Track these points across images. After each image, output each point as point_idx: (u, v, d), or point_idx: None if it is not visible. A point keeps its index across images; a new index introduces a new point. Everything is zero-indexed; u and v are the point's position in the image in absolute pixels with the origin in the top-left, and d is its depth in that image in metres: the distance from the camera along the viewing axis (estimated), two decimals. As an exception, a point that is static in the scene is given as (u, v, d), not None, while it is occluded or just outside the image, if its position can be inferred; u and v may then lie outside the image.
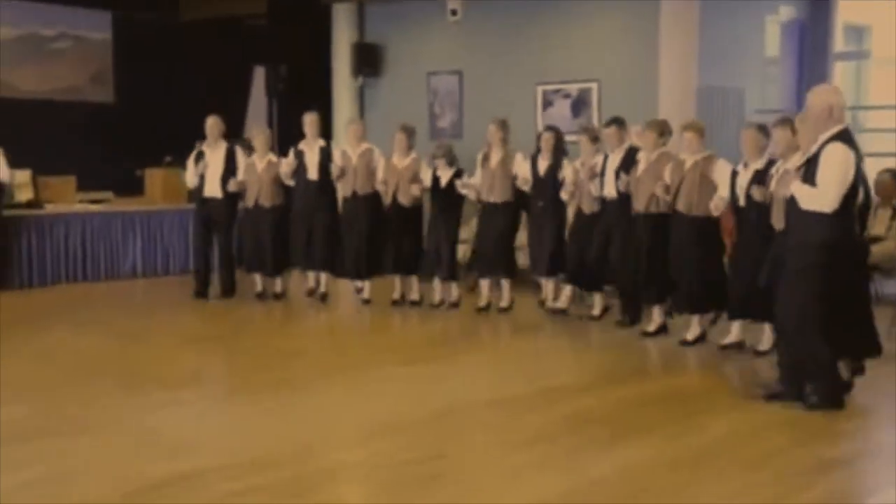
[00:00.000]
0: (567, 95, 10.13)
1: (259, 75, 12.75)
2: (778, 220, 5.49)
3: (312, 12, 11.51)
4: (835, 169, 4.83)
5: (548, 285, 7.92)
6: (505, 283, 7.95)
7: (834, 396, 5.07)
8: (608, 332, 7.21)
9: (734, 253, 6.44)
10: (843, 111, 5.03)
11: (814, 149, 4.96)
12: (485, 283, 8.03)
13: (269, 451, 4.42)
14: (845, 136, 4.93)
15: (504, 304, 7.92)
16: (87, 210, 9.76)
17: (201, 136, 8.65)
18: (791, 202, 5.04)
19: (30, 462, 4.28)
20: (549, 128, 8.03)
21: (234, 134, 8.44)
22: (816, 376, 5.08)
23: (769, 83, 10.73)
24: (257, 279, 8.58)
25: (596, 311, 7.57)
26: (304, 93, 11.73)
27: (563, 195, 7.50)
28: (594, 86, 9.92)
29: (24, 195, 9.44)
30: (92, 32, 12.38)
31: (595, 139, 7.50)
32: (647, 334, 6.98)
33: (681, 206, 6.55)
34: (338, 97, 11.66)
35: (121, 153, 10.78)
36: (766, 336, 6.34)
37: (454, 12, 10.82)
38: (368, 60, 11.44)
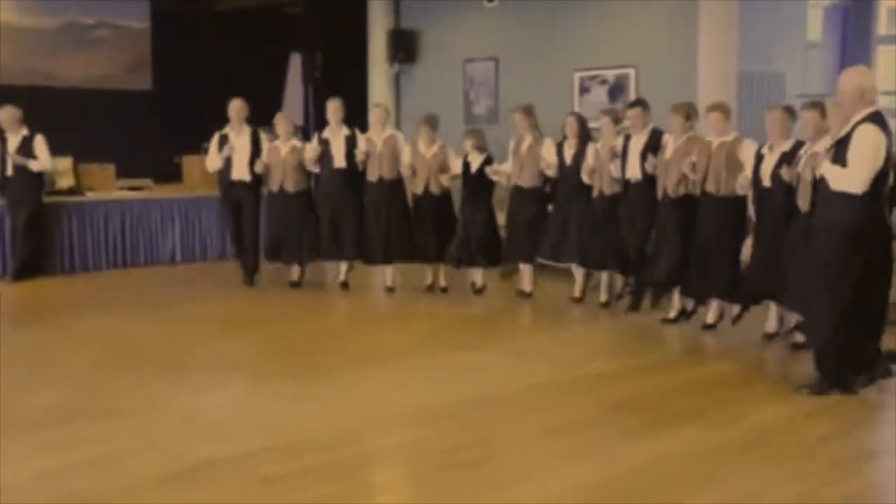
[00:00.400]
0: (604, 81, 10.05)
1: (295, 62, 12.81)
2: (804, 202, 5.47)
3: (348, -1, 11.54)
4: (866, 149, 4.81)
5: (577, 273, 7.86)
6: (526, 269, 7.99)
7: (873, 380, 5.12)
8: (642, 319, 7.16)
9: (754, 237, 6.38)
10: (875, 93, 4.97)
11: (845, 130, 4.93)
12: (525, 269, 8.03)
13: (309, 436, 4.45)
14: (877, 118, 4.88)
15: (528, 288, 8.00)
16: (126, 197, 9.88)
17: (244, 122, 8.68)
18: (821, 183, 5.02)
19: (72, 445, 4.35)
20: (573, 114, 8.01)
21: (271, 121, 8.43)
22: (859, 364, 5.07)
23: (811, 68, 10.56)
24: (295, 269, 8.56)
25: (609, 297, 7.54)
26: (340, 80, 11.76)
27: (584, 176, 7.48)
28: (631, 72, 9.83)
29: (65, 182, 9.57)
30: (130, 21, 12.50)
31: (618, 121, 7.47)
32: (667, 321, 6.94)
33: (710, 187, 6.51)
34: (373, 84, 11.67)
35: (159, 141, 10.90)
36: (772, 316, 6.47)
37: (490, -2, 10.78)
38: (404, 47, 11.44)
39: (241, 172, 8.36)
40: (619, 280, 7.69)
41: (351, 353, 6.29)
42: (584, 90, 10.18)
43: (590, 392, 5.25)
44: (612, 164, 7.26)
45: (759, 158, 6.20)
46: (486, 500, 3.73)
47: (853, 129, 4.88)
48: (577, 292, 7.83)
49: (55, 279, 9.06)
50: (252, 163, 8.31)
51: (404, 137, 8.33)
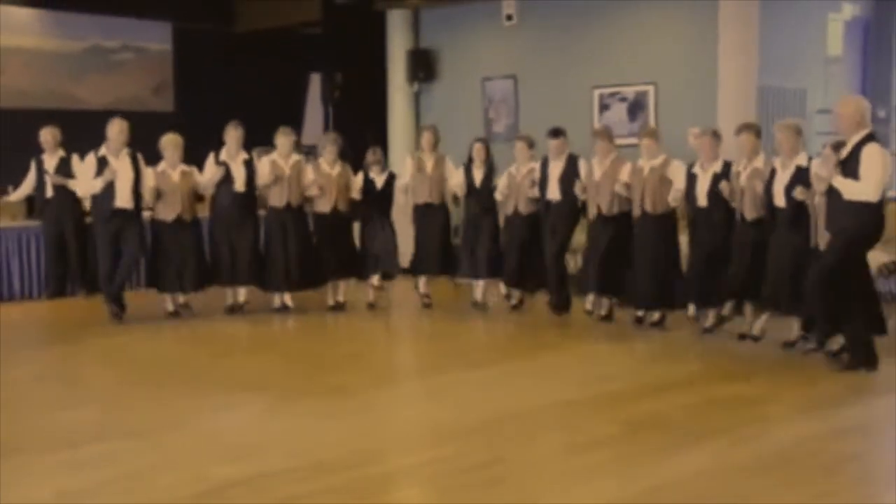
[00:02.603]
0: (623, 99, 10.06)
1: (315, 83, 12.90)
2: (750, 211, 6.59)
3: (367, 19, 11.61)
4: (877, 164, 5.66)
5: (479, 286, 8.32)
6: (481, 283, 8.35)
7: (870, 360, 5.90)
8: (662, 335, 7.14)
9: (691, 249, 7.13)
10: (869, 116, 5.85)
11: (846, 151, 5.78)
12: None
13: (332, 455, 4.45)
14: (875, 138, 5.78)
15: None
16: (152, 216, 9.91)
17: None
18: (832, 195, 5.80)
19: (95, 464, 4.37)
20: (480, 140, 8.50)
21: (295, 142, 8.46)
22: (854, 343, 5.89)
23: (831, 82, 10.51)
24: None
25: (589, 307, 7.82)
26: (360, 99, 11.84)
27: (498, 196, 8.13)
28: (651, 88, 9.83)
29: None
30: (153, 44, 12.65)
31: (531, 145, 8.08)
32: (638, 319, 7.50)
33: (647, 207, 7.23)
34: (393, 103, 11.73)
35: (182, 161, 10.97)
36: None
37: (509, 17, 10.83)
38: (423, 66, 11.50)
39: (124, 201, 7.72)
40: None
41: (372, 372, 6.29)
42: (603, 107, 10.18)
43: (611, 409, 5.22)
44: (531, 190, 7.90)
45: (691, 178, 6.97)
46: (509, 519, 3.71)
47: (858, 148, 5.70)
48: (478, 297, 8.32)
49: (79, 298, 9.14)
50: (136, 189, 7.75)
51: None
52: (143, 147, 8.02)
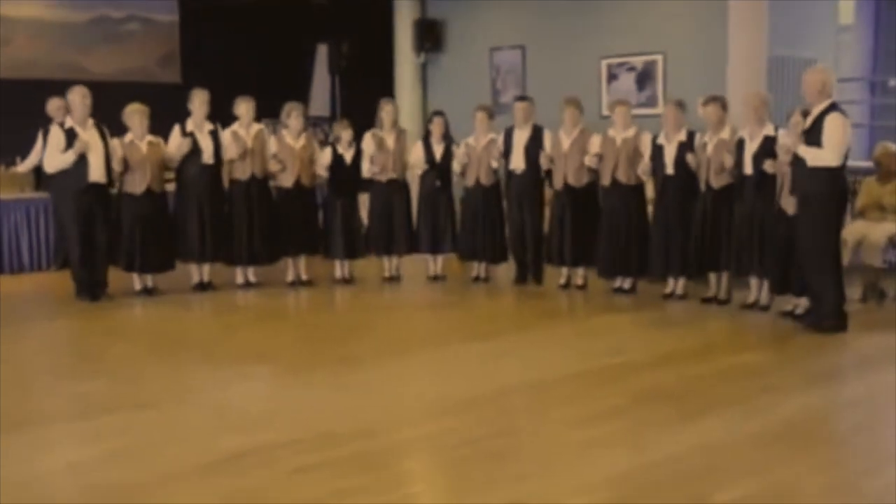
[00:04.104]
0: (632, 69, 9.98)
1: (322, 53, 12.82)
2: (716, 180, 6.88)
3: (374, -11, 11.52)
4: (839, 131, 5.99)
5: (432, 259, 8.38)
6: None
7: (842, 322, 6.20)
8: (669, 307, 7.14)
9: (657, 216, 7.27)
10: (833, 87, 6.17)
11: (809, 120, 6.07)
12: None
13: (339, 427, 4.48)
14: (838, 107, 6.08)
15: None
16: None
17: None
18: (797, 162, 6.11)
19: (109, 435, 4.42)
20: (438, 112, 8.45)
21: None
22: (827, 302, 6.14)
23: (843, 52, 10.41)
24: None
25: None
26: (367, 70, 11.76)
27: (456, 167, 8.08)
28: (659, 58, 9.75)
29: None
30: (159, 14, 12.57)
31: (491, 116, 8.09)
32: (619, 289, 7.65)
33: (621, 177, 7.34)
34: (400, 74, 11.67)
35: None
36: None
37: (517, -14, 10.72)
38: (430, 37, 11.42)
39: (98, 174, 7.38)
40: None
41: (381, 343, 6.32)
42: (611, 77, 10.11)
43: (621, 381, 5.23)
44: (492, 159, 7.90)
45: (657, 149, 7.16)
46: (514, 490, 3.74)
47: (821, 117, 6.00)
48: (433, 271, 8.40)
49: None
50: (107, 162, 7.42)
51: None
52: (153, 118, 7.96)
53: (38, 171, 9.30)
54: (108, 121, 7.80)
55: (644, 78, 9.89)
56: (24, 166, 9.24)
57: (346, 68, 11.98)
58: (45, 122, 9.03)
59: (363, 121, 8.53)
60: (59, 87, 9.49)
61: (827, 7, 10.10)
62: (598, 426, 4.47)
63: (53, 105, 8.93)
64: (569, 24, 10.36)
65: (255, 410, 4.81)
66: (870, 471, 3.91)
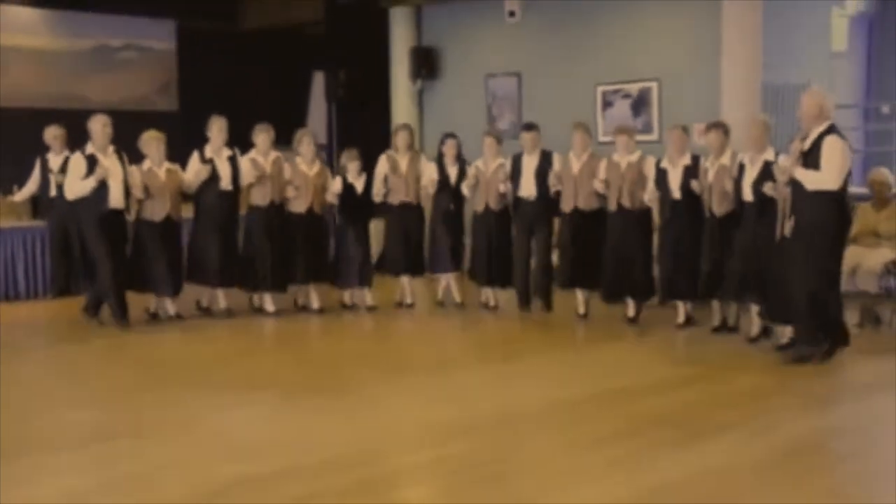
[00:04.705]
0: (627, 95, 10.04)
1: (318, 81, 12.90)
2: (719, 206, 6.78)
3: (370, 17, 11.61)
4: (837, 155, 5.85)
5: (443, 281, 8.37)
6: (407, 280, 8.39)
7: (844, 336, 6.09)
8: (673, 333, 7.14)
9: (664, 241, 7.20)
10: (832, 110, 6.03)
11: (808, 142, 5.94)
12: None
13: (336, 454, 4.46)
14: (836, 130, 5.95)
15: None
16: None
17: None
18: (796, 186, 5.95)
19: (102, 464, 4.40)
20: (450, 135, 8.41)
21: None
22: (833, 331, 6.02)
23: (836, 78, 10.50)
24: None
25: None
26: (364, 97, 11.83)
27: (465, 191, 8.07)
28: (654, 85, 9.82)
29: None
30: (157, 42, 12.67)
31: (500, 141, 8.10)
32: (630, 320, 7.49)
33: (625, 202, 7.28)
34: (396, 101, 11.73)
35: (186, 159, 10.99)
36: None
37: (512, 14, 10.81)
38: (426, 64, 11.49)
39: (118, 200, 7.43)
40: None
41: (378, 370, 6.30)
42: (606, 104, 10.17)
43: (619, 406, 5.22)
44: (502, 184, 7.84)
45: (661, 173, 7.10)
46: (515, 518, 3.72)
47: (819, 139, 5.88)
48: (441, 296, 8.44)
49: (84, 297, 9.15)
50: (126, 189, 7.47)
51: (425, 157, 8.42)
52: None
53: (35, 199, 9.33)
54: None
55: (639, 105, 9.95)
56: (21, 195, 9.25)
57: (343, 96, 12.05)
58: (42, 150, 9.07)
59: (361, 148, 8.56)
60: (57, 116, 9.53)
61: (820, 34, 10.20)
62: (599, 451, 4.46)
63: (50, 133, 8.97)
64: (564, 51, 10.44)
65: (255, 437, 4.79)
66: (870, 496, 3.90)
